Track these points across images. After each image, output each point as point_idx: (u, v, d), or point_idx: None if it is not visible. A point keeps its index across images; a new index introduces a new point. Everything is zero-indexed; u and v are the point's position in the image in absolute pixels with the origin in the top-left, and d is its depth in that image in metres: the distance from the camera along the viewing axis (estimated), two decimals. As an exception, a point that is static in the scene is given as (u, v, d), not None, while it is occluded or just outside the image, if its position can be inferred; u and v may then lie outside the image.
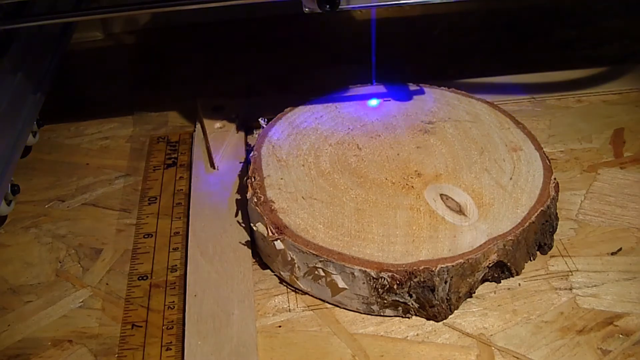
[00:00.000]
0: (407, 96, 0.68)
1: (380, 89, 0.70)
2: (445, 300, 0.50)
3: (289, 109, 0.67)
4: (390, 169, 0.59)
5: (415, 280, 0.49)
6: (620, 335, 0.49)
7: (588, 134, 0.70)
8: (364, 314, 0.52)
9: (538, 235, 0.55)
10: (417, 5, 0.94)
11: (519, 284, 0.53)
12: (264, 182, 0.57)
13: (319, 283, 0.52)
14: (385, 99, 0.68)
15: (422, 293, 0.49)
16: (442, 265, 0.49)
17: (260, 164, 0.60)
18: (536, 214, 0.53)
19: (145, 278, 0.55)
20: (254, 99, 0.76)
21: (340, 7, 0.55)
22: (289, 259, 0.52)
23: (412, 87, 0.70)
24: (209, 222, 0.59)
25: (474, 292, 0.52)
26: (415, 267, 0.49)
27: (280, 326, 0.51)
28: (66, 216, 0.63)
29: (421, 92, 0.69)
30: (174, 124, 0.75)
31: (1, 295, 0.55)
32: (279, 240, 0.52)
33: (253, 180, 0.58)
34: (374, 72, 0.67)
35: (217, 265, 0.55)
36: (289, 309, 0.52)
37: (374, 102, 0.68)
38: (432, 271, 0.49)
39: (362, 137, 0.63)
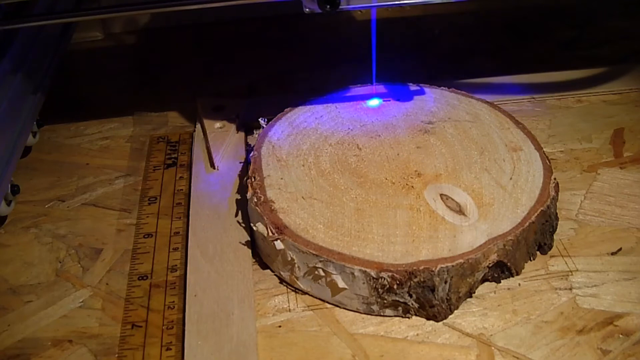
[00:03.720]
0: (408, 96, 0.68)
1: (381, 89, 0.70)
2: (445, 300, 0.50)
3: (289, 109, 0.67)
4: (390, 169, 0.59)
5: (415, 280, 0.49)
6: (620, 335, 0.49)
7: (588, 134, 0.70)
8: (364, 314, 0.52)
9: (538, 235, 0.55)
10: (417, 5, 0.94)
11: (519, 284, 0.53)
12: (264, 182, 0.57)
13: (319, 283, 0.52)
14: (385, 99, 0.68)
15: (422, 293, 0.49)
16: (442, 265, 0.49)
17: (260, 164, 0.60)
18: (536, 214, 0.53)
19: (145, 278, 0.55)
20: (254, 99, 0.76)
21: (340, 7, 0.55)
22: (289, 259, 0.52)
23: (413, 87, 0.70)
24: (209, 222, 0.59)
25: (474, 292, 0.52)
26: (415, 267, 0.49)
27: (280, 326, 0.51)
28: (66, 216, 0.63)
29: (421, 92, 0.69)
30: (174, 124, 0.75)
31: (1, 295, 0.55)
32: (279, 240, 0.52)
33: (253, 180, 0.58)
34: (374, 72, 0.67)
35: (217, 265, 0.55)
36: (289, 309, 0.52)
37: (374, 102, 0.68)
38: (432, 271, 0.49)
39: (362, 137, 0.63)
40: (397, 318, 0.51)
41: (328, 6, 0.54)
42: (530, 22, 0.94)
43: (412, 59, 0.85)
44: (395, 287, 0.49)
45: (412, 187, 0.56)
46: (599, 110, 0.73)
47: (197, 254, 0.56)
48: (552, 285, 0.53)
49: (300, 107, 0.68)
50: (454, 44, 0.89)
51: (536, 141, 0.62)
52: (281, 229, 0.53)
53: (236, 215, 0.60)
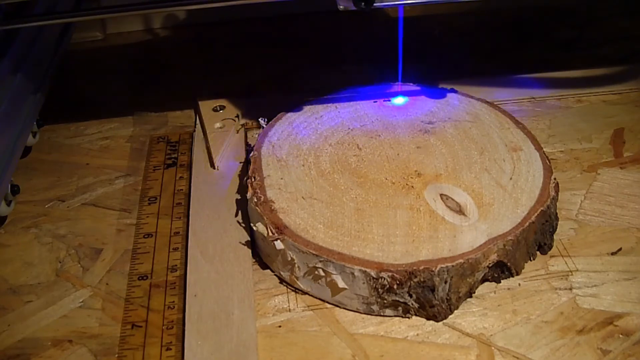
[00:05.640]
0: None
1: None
2: (445, 300, 0.50)
3: (289, 108, 0.67)
4: (390, 169, 0.59)
5: (415, 280, 0.49)
6: (620, 335, 0.49)
7: (588, 134, 0.70)
8: (364, 314, 0.52)
9: (538, 235, 0.55)
10: (417, 5, 0.94)
11: (519, 284, 0.53)
12: (264, 182, 0.57)
13: (319, 283, 0.52)
14: (386, 99, 0.68)
15: (422, 293, 0.49)
16: (442, 265, 0.49)
17: (260, 164, 0.60)
18: (536, 214, 0.53)
19: (145, 278, 0.55)
20: (254, 99, 0.76)
21: (374, 4, 0.55)
22: (289, 259, 0.52)
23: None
24: (209, 222, 0.59)
25: (474, 292, 0.52)
26: (415, 267, 0.49)
27: (280, 326, 0.51)
28: (66, 216, 0.63)
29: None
30: (174, 124, 0.75)
31: (1, 295, 0.55)
32: (279, 240, 0.52)
33: (253, 180, 0.58)
34: (400, 70, 0.67)
35: (217, 265, 0.55)
36: (289, 309, 0.52)
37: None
38: (432, 271, 0.49)
39: (362, 137, 0.63)
40: (397, 318, 0.51)
41: (363, 3, 0.54)
42: (530, 22, 0.94)
43: (412, 59, 0.84)
44: (395, 287, 0.49)
45: (412, 187, 0.56)
46: (599, 110, 0.73)
47: (197, 254, 0.56)
48: (552, 285, 0.53)
49: (300, 107, 0.68)
50: (454, 44, 0.89)
51: (536, 141, 0.62)
52: (281, 229, 0.53)
53: (236, 215, 0.60)
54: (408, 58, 0.78)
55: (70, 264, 0.57)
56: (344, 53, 0.87)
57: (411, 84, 0.70)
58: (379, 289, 0.49)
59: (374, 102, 0.68)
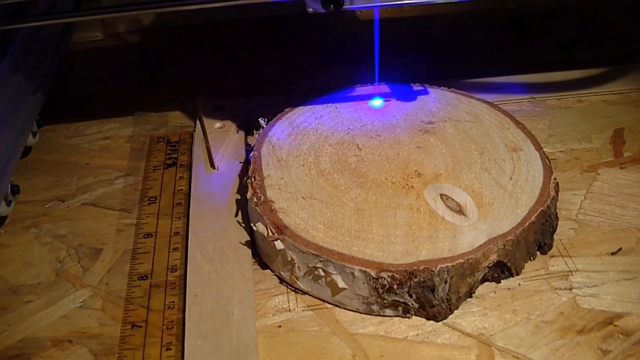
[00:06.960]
0: (411, 96, 0.68)
1: (384, 88, 0.70)
2: (445, 300, 0.50)
3: (289, 109, 0.67)
4: (390, 169, 0.59)
5: (415, 280, 0.49)
6: (620, 335, 0.49)
7: (588, 134, 0.70)
8: (364, 314, 0.52)
9: (538, 235, 0.55)
10: (417, 5, 0.94)
11: (519, 284, 0.53)
12: (264, 182, 0.57)
13: (319, 283, 0.52)
14: (387, 99, 0.68)
15: (422, 293, 0.49)
16: (442, 265, 0.49)
17: (260, 164, 0.60)
18: (536, 214, 0.53)
19: (145, 278, 0.55)
20: (254, 99, 0.76)
21: (344, 7, 0.55)
22: (289, 259, 0.52)
23: (416, 86, 0.70)
24: (209, 222, 0.59)
25: (474, 292, 0.52)
26: (415, 267, 0.49)
27: (280, 326, 0.51)
28: (66, 216, 0.63)
29: (424, 92, 0.69)
30: (174, 124, 0.75)
31: (1, 295, 0.55)
32: (279, 240, 0.52)
33: (253, 180, 0.58)
34: (377, 72, 0.67)
35: (217, 265, 0.55)
36: (289, 309, 0.52)
37: (376, 102, 0.68)
38: (432, 271, 0.49)
39: (362, 137, 0.63)
40: (397, 318, 0.51)
41: (332, 6, 0.54)
42: (530, 22, 0.94)
43: (412, 59, 0.85)
44: (395, 287, 0.49)
45: (412, 187, 0.56)
46: (599, 110, 0.73)
47: (197, 254, 0.56)
48: (552, 285, 0.53)
49: (300, 107, 0.68)
50: (454, 44, 0.89)
51: (536, 141, 0.62)
52: (281, 229, 0.53)
53: (236, 215, 0.60)
54: (408, 58, 0.78)
55: (70, 264, 0.57)
56: (344, 53, 0.87)
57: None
58: (379, 289, 0.49)
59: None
